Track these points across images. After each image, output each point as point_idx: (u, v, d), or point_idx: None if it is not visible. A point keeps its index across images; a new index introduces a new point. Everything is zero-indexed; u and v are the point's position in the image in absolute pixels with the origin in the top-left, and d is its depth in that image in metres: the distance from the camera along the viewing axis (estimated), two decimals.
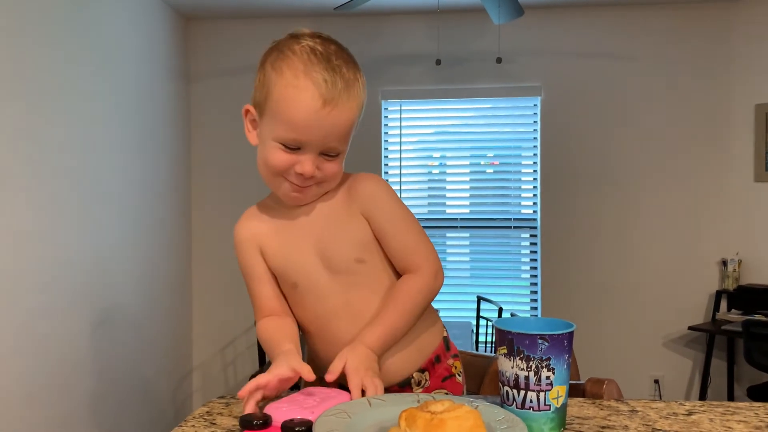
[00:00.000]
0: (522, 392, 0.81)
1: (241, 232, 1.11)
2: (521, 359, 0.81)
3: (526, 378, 0.80)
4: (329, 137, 0.99)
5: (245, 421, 0.79)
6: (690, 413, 0.90)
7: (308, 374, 0.89)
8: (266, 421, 0.80)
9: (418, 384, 1.10)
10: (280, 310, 1.10)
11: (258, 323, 1.10)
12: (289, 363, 0.91)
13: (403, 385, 1.09)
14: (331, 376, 0.92)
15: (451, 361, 1.15)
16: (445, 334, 1.16)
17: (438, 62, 3.43)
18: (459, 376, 1.15)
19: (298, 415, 0.82)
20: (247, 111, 1.06)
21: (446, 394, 1.10)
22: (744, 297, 3.72)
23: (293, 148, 0.99)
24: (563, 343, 0.81)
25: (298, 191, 1.03)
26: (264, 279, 1.10)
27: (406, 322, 1.04)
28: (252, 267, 1.10)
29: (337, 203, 1.08)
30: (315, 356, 1.13)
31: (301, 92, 0.96)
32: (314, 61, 0.97)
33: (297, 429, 0.78)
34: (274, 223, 1.10)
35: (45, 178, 2.64)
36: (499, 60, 3.40)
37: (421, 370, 1.10)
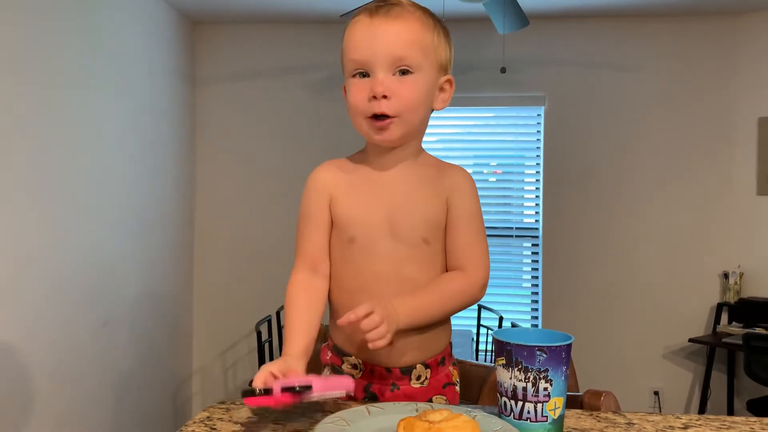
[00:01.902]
0: (520, 403, 0.82)
1: (319, 176, 1.12)
2: (519, 370, 0.81)
3: (524, 389, 0.81)
4: (389, 45, 1.01)
5: (246, 391, 0.81)
6: (686, 427, 0.90)
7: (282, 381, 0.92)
8: (267, 390, 0.82)
9: (418, 378, 1.10)
10: (320, 261, 1.09)
11: (295, 276, 1.09)
12: (287, 365, 0.94)
13: (405, 372, 1.09)
14: (344, 319, 0.93)
15: (451, 369, 1.16)
16: (451, 340, 1.18)
17: None
18: (457, 385, 1.16)
19: (297, 383, 0.84)
20: (344, 88, 1.11)
21: (446, 401, 1.11)
22: (745, 310, 3.71)
23: (364, 74, 1.03)
24: (561, 355, 0.81)
25: (380, 126, 1.03)
26: (321, 226, 1.10)
27: (437, 312, 1.06)
28: (313, 211, 1.10)
29: (423, 178, 1.10)
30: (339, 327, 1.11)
31: (354, 22, 1.05)
32: (370, 4, 1.06)
33: (297, 387, 0.81)
34: (356, 175, 1.10)
35: (48, 180, 2.66)
36: (503, 70, 3.42)
37: (426, 366, 1.10)
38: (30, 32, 2.52)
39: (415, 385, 1.10)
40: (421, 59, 1.03)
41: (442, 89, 1.10)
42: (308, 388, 0.81)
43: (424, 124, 1.11)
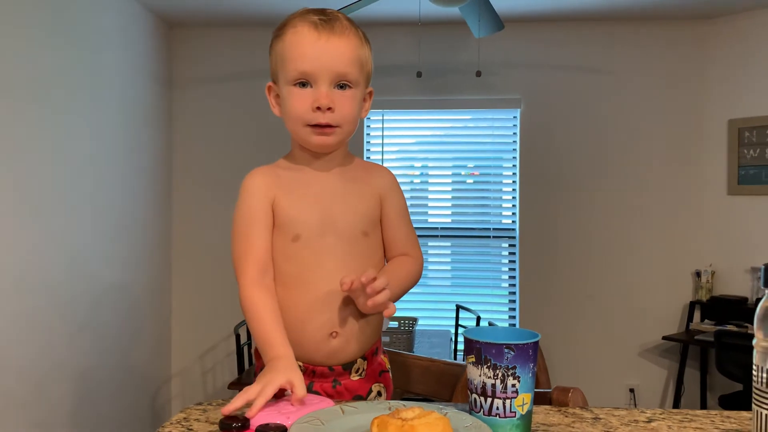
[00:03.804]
0: (489, 399, 0.84)
1: (257, 179, 1.15)
2: (488, 368, 0.84)
3: (493, 386, 0.84)
4: (335, 62, 1.07)
5: (224, 424, 0.82)
6: (650, 420, 0.94)
7: (302, 391, 0.90)
8: (244, 424, 0.83)
9: (357, 372, 1.15)
10: (268, 264, 1.10)
11: (251, 279, 1.07)
12: (287, 376, 0.92)
13: (347, 368, 1.14)
14: (346, 285, 1.02)
15: (383, 357, 1.23)
16: (383, 329, 1.24)
17: (419, 74, 3.47)
18: (389, 371, 1.23)
19: (275, 420, 0.84)
20: (270, 87, 1.18)
21: (383, 387, 1.18)
22: (717, 307, 3.79)
23: (306, 83, 1.09)
24: (528, 352, 0.84)
25: (321, 134, 1.10)
26: (266, 228, 1.12)
27: (400, 291, 1.15)
28: (257, 213, 1.12)
29: (355, 177, 1.17)
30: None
31: (299, 32, 1.09)
32: (307, 13, 1.11)
33: (272, 426, 0.81)
34: (292, 177, 1.15)
35: (24, 182, 2.64)
36: (478, 74, 3.45)
37: (363, 358, 1.16)
38: (1, 35, 2.49)
39: (354, 378, 1.15)
40: (358, 75, 1.11)
41: (364, 99, 1.18)
42: (283, 430, 0.81)
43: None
